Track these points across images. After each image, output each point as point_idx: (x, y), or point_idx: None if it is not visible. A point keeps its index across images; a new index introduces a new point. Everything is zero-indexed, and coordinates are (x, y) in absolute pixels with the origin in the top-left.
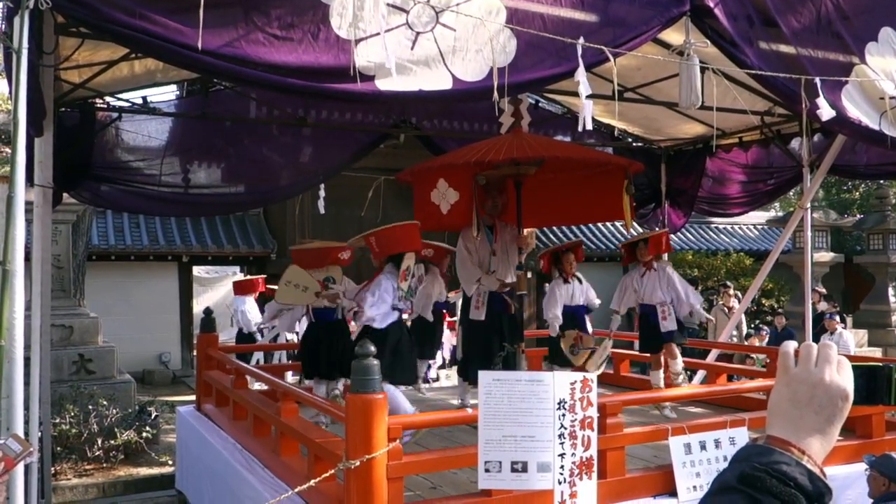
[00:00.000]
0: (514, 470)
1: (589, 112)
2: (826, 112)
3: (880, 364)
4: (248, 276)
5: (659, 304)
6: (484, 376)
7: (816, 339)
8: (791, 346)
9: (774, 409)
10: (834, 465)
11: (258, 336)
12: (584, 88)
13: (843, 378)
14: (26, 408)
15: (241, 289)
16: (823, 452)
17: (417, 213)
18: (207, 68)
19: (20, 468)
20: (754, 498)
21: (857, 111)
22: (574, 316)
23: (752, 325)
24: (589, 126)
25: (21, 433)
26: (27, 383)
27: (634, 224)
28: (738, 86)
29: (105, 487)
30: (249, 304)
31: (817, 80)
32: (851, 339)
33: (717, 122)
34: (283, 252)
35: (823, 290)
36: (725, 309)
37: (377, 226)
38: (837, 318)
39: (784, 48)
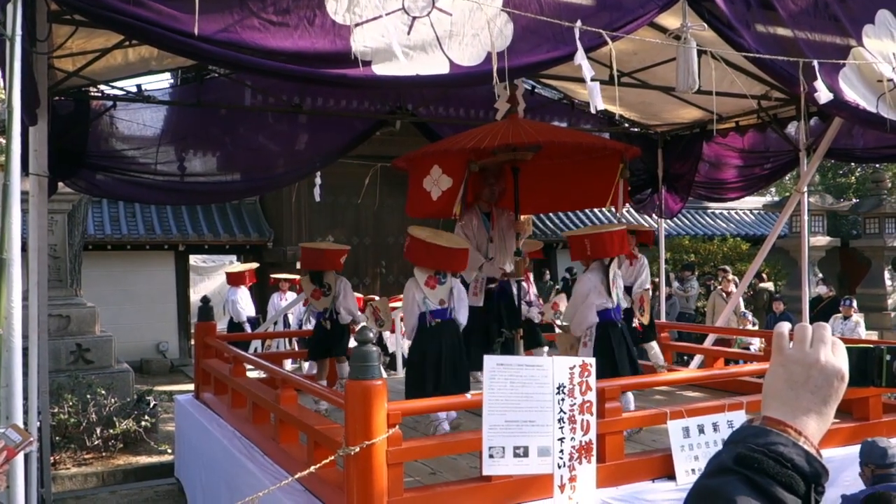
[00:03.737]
0: (516, 455)
1: (597, 94)
2: (824, 95)
3: (871, 346)
4: (240, 267)
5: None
6: (488, 361)
7: (814, 322)
8: (785, 326)
9: (770, 391)
10: (831, 448)
11: (247, 326)
12: (587, 71)
13: (838, 358)
14: (25, 397)
15: (232, 280)
16: (819, 433)
17: (410, 200)
18: (203, 54)
19: (20, 457)
20: (751, 479)
21: (854, 94)
22: None
23: (739, 312)
24: (601, 107)
25: (20, 423)
26: (25, 373)
27: (631, 210)
28: (735, 70)
29: (104, 476)
30: (240, 295)
31: (815, 62)
32: (863, 325)
33: (713, 106)
34: (280, 240)
35: (820, 275)
36: (724, 294)
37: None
38: (854, 303)
39: (781, 31)
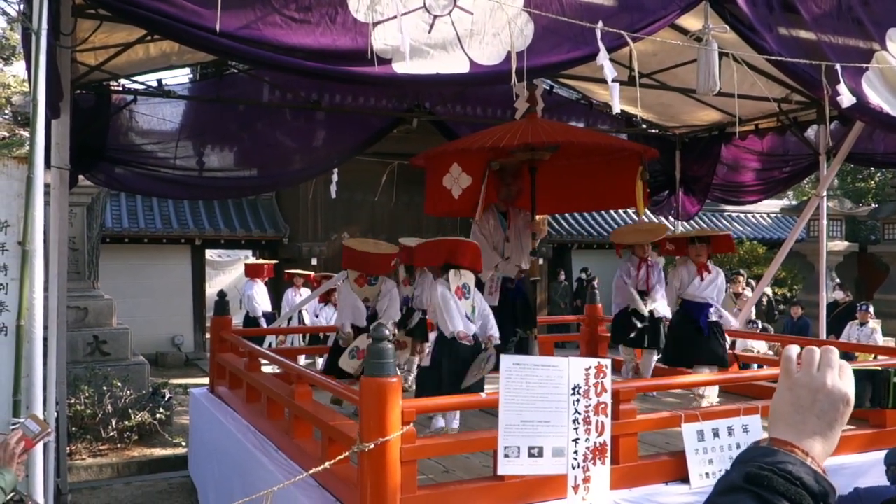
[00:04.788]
0: (530, 455)
1: (617, 95)
2: (847, 99)
3: (880, 368)
4: (260, 261)
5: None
6: (505, 360)
7: (830, 328)
8: (793, 350)
9: (777, 413)
10: (848, 454)
11: (262, 321)
12: (609, 72)
13: (844, 383)
14: (43, 388)
15: (250, 272)
16: (825, 455)
17: (428, 198)
18: (225, 50)
19: (38, 448)
20: (761, 497)
21: (878, 98)
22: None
23: (752, 321)
24: (618, 109)
25: (39, 412)
26: (44, 364)
27: (647, 212)
28: (756, 72)
29: (119, 467)
30: (257, 289)
31: (838, 66)
32: (880, 332)
33: (734, 109)
34: (296, 236)
35: (837, 280)
36: (734, 296)
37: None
38: (871, 309)
39: (804, 34)
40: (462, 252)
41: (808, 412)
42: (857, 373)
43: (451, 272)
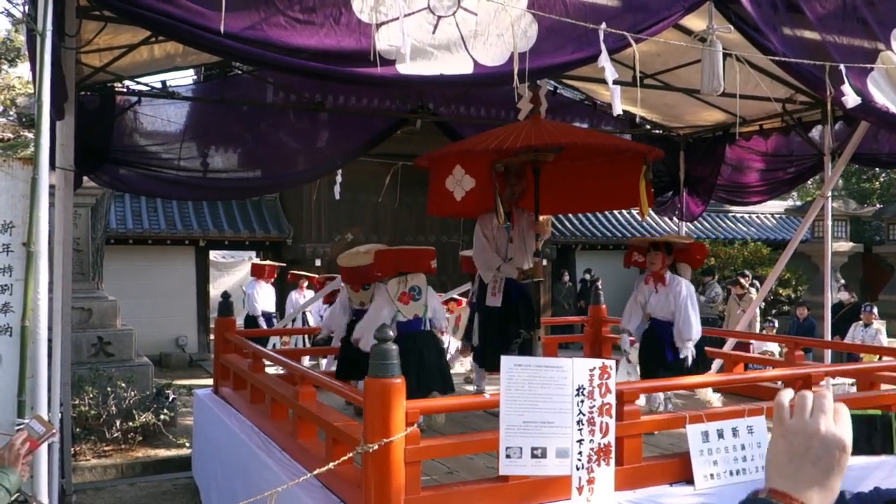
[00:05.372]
0: (534, 456)
1: (618, 97)
2: (852, 99)
3: (880, 412)
4: (267, 262)
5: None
6: (506, 361)
7: (835, 329)
8: (786, 397)
9: (772, 462)
10: (851, 457)
11: (261, 321)
12: (610, 73)
13: (839, 428)
14: (48, 389)
15: (255, 271)
16: None
17: (431, 199)
18: (229, 52)
19: (43, 448)
20: None
21: (883, 98)
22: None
23: (767, 319)
24: (619, 111)
25: (44, 413)
26: (48, 365)
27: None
28: (760, 72)
29: (123, 468)
30: (259, 289)
31: (842, 66)
32: (884, 333)
33: (737, 109)
34: (299, 237)
35: (842, 280)
36: (737, 297)
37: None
38: (875, 310)
39: (808, 34)
40: (406, 260)
41: (803, 460)
42: (854, 418)
43: (391, 281)
